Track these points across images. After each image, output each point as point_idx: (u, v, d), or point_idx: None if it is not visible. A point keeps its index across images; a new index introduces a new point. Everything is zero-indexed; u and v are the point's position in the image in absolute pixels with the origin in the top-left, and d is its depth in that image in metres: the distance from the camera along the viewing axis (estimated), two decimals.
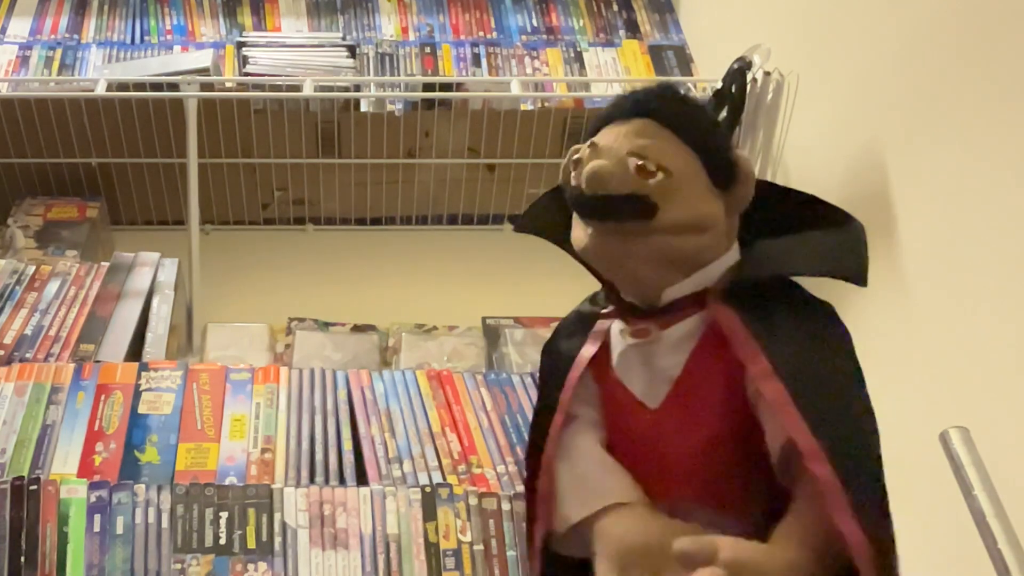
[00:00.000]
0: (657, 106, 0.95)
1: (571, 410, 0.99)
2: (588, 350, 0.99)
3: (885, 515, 0.87)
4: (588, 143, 0.94)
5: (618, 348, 0.97)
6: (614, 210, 0.91)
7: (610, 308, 0.99)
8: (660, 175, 0.91)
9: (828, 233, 0.96)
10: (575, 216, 0.96)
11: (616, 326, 0.98)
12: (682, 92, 1.01)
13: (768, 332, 0.90)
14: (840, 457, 0.84)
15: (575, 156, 0.95)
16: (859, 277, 0.93)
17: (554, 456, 0.97)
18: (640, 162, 0.91)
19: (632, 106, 0.96)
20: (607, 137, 0.94)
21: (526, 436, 1.70)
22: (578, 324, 1.04)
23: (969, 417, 1.17)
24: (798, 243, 0.96)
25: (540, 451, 0.99)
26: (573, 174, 0.94)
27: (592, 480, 0.93)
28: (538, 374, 1.09)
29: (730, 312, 0.91)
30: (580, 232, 0.95)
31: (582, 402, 0.99)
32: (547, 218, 1.04)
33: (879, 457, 0.89)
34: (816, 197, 0.99)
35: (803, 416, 0.85)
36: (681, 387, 0.93)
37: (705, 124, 0.97)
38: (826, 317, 0.95)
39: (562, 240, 1.01)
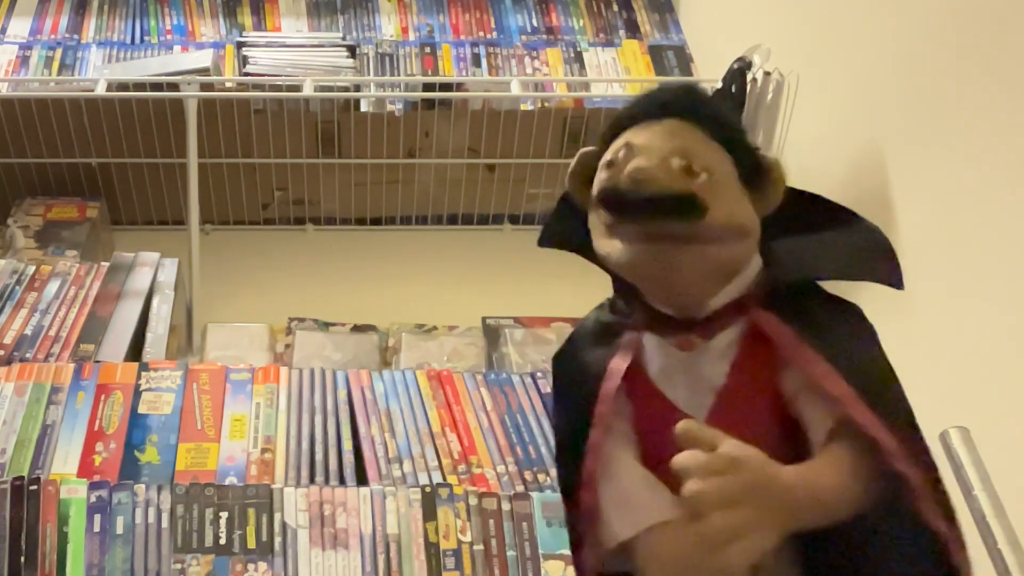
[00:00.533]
0: (687, 106, 0.92)
1: (612, 423, 0.97)
2: (620, 362, 0.95)
3: (955, 515, 0.88)
4: (621, 143, 0.91)
5: (656, 359, 0.94)
6: (662, 209, 0.86)
7: (638, 318, 0.96)
8: (704, 175, 0.88)
9: (848, 233, 0.94)
10: (598, 227, 0.93)
11: (650, 337, 0.95)
12: (705, 91, 0.98)
13: (814, 334, 0.88)
14: (914, 458, 0.84)
15: (607, 159, 0.91)
16: (897, 280, 0.91)
17: (594, 471, 0.95)
18: (683, 162, 0.88)
19: (660, 107, 0.92)
20: (641, 137, 0.90)
21: (526, 436, 1.71)
22: (601, 334, 1.00)
23: (969, 417, 1.17)
24: (825, 245, 0.94)
25: (575, 465, 0.98)
26: (606, 176, 0.90)
27: (635, 498, 0.91)
28: (553, 384, 1.06)
29: (772, 317, 0.90)
30: (607, 244, 0.91)
31: (616, 416, 0.95)
32: (568, 228, 1.01)
33: (935, 463, 0.89)
34: (819, 196, 0.98)
35: (879, 416, 0.83)
36: (726, 396, 0.90)
37: (733, 125, 0.95)
38: (859, 318, 0.93)
39: (588, 250, 0.97)
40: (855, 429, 0.83)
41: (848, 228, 0.95)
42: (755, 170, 0.92)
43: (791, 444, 0.88)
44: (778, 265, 0.93)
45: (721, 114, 0.94)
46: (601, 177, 0.91)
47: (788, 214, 0.96)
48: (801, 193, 0.99)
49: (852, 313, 0.93)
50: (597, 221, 0.93)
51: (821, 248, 0.94)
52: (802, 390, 0.88)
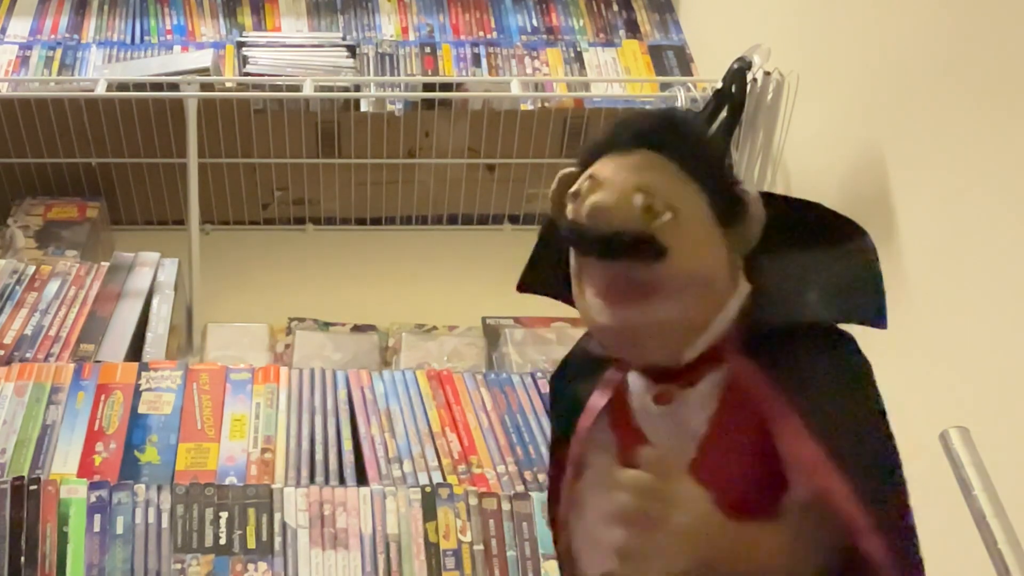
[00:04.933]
0: (661, 137, 0.88)
1: (585, 461, 0.95)
2: (598, 400, 0.94)
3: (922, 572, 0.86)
4: (586, 175, 0.88)
5: (639, 404, 0.92)
6: (620, 249, 0.84)
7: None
8: (667, 215, 0.84)
9: (838, 258, 0.90)
10: (574, 269, 0.90)
11: (634, 377, 0.93)
12: (686, 119, 0.93)
13: (795, 386, 0.85)
14: (886, 527, 0.81)
15: (572, 189, 0.88)
16: (878, 320, 0.87)
17: (568, 512, 0.94)
18: (647, 200, 0.84)
19: (633, 137, 0.88)
20: (607, 169, 0.87)
21: (526, 436, 1.71)
22: (588, 366, 0.98)
23: (969, 417, 1.17)
24: (810, 277, 0.90)
25: (556, 493, 0.98)
26: (570, 207, 0.88)
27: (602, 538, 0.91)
28: (550, 407, 1.05)
29: (749, 365, 0.87)
30: (582, 301, 0.89)
31: (598, 449, 0.94)
32: (550, 273, 0.97)
33: (911, 511, 0.87)
34: (817, 204, 0.95)
35: (849, 483, 0.81)
36: (708, 445, 0.88)
37: (712, 157, 0.90)
38: (849, 357, 0.89)
39: (569, 295, 0.94)
40: (823, 500, 0.82)
41: (839, 246, 0.90)
42: (732, 206, 0.88)
43: (773, 493, 0.86)
44: (765, 305, 0.90)
45: (699, 147, 0.90)
46: (568, 209, 0.88)
47: (783, 228, 0.93)
48: (797, 202, 0.96)
49: (840, 349, 0.89)
50: (572, 260, 0.90)
51: (807, 283, 0.90)
52: (780, 447, 0.86)
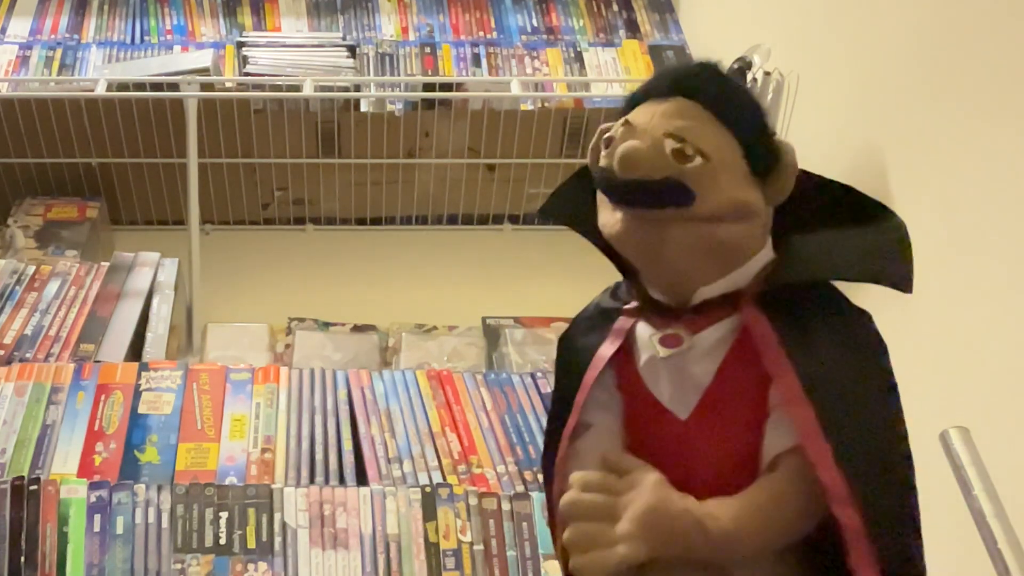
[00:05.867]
0: (697, 85, 0.89)
1: (587, 416, 0.94)
2: (607, 349, 0.93)
3: (913, 558, 0.85)
4: (621, 121, 0.89)
5: (645, 353, 0.91)
6: (648, 195, 0.85)
7: (633, 304, 0.94)
8: (698, 160, 0.85)
9: (868, 231, 0.90)
10: (602, 199, 0.91)
11: (642, 327, 0.92)
12: (724, 70, 0.94)
13: (802, 346, 0.85)
14: (868, 499, 0.81)
15: (607, 135, 0.89)
16: (904, 283, 0.88)
17: (565, 464, 0.94)
18: (677, 145, 0.85)
19: (670, 84, 0.89)
20: (642, 116, 0.88)
21: (526, 436, 1.71)
22: (598, 319, 0.97)
23: (969, 417, 1.17)
24: (837, 242, 0.91)
25: (553, 451, 0.97)
26: (604, 153, 0.88)
27: None
28: (554, 366, 1.04)
29: (763, 319, 0.86)
30: (609, 216, 0.89)
31: (600, 407, 0.94)
32: (574, 205, 0.97)
33: (912, 489, 0.86)
34: (851, 187, 0.95)
35: (833, 450, 0.81)
36: (712, 396, 0.88)
37: (747, 106, 0.91)
38: (864, 329, 0.89)
39: (590, 230, 0.94)
40: (805, 462, 0.82)
41: (869, 224, 0.91)
42: (767, 157, 0.89)
43: None
44: (789, 262, 0.90)
45: (735, 96, 0.91)
46: (601, 155, 0.89)
47: (814, 205, 0.94)
48: (831, 183, 0.94)
49: (859, 326, 0.90)
50: (602, 196, 0.91)
51: (838, 247, 0.91)
52: (775, 407, 0.86)
